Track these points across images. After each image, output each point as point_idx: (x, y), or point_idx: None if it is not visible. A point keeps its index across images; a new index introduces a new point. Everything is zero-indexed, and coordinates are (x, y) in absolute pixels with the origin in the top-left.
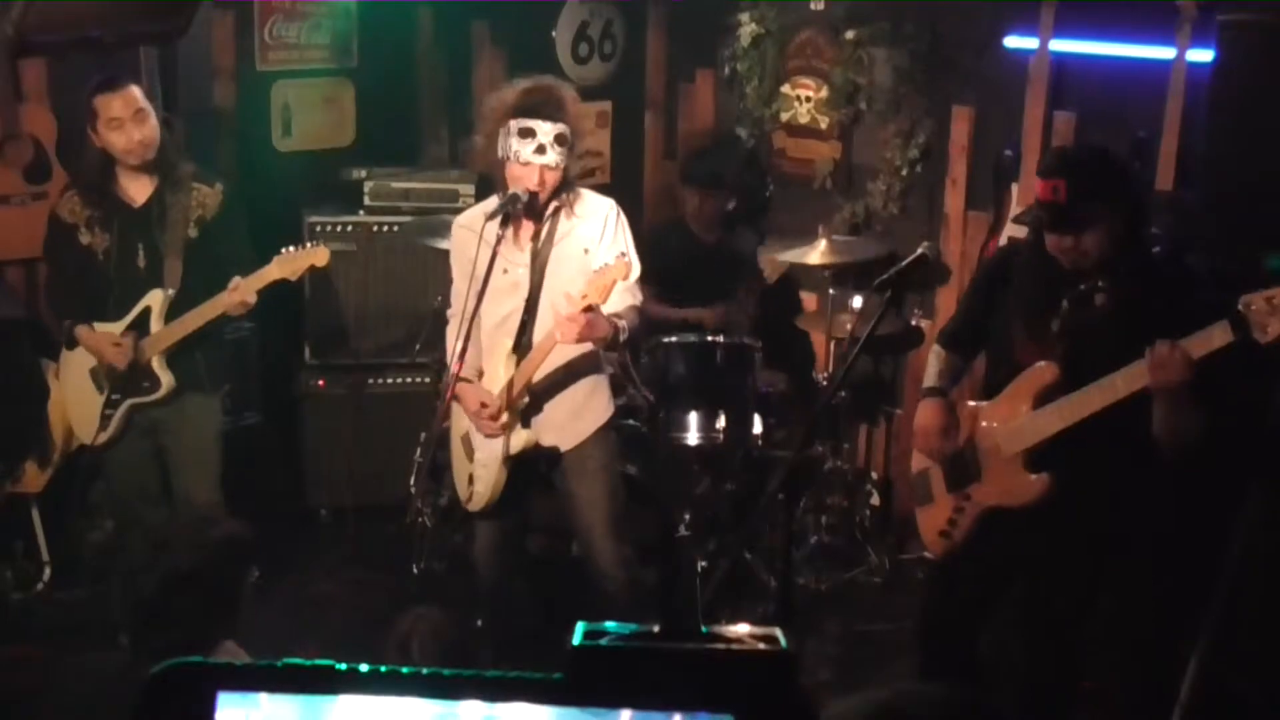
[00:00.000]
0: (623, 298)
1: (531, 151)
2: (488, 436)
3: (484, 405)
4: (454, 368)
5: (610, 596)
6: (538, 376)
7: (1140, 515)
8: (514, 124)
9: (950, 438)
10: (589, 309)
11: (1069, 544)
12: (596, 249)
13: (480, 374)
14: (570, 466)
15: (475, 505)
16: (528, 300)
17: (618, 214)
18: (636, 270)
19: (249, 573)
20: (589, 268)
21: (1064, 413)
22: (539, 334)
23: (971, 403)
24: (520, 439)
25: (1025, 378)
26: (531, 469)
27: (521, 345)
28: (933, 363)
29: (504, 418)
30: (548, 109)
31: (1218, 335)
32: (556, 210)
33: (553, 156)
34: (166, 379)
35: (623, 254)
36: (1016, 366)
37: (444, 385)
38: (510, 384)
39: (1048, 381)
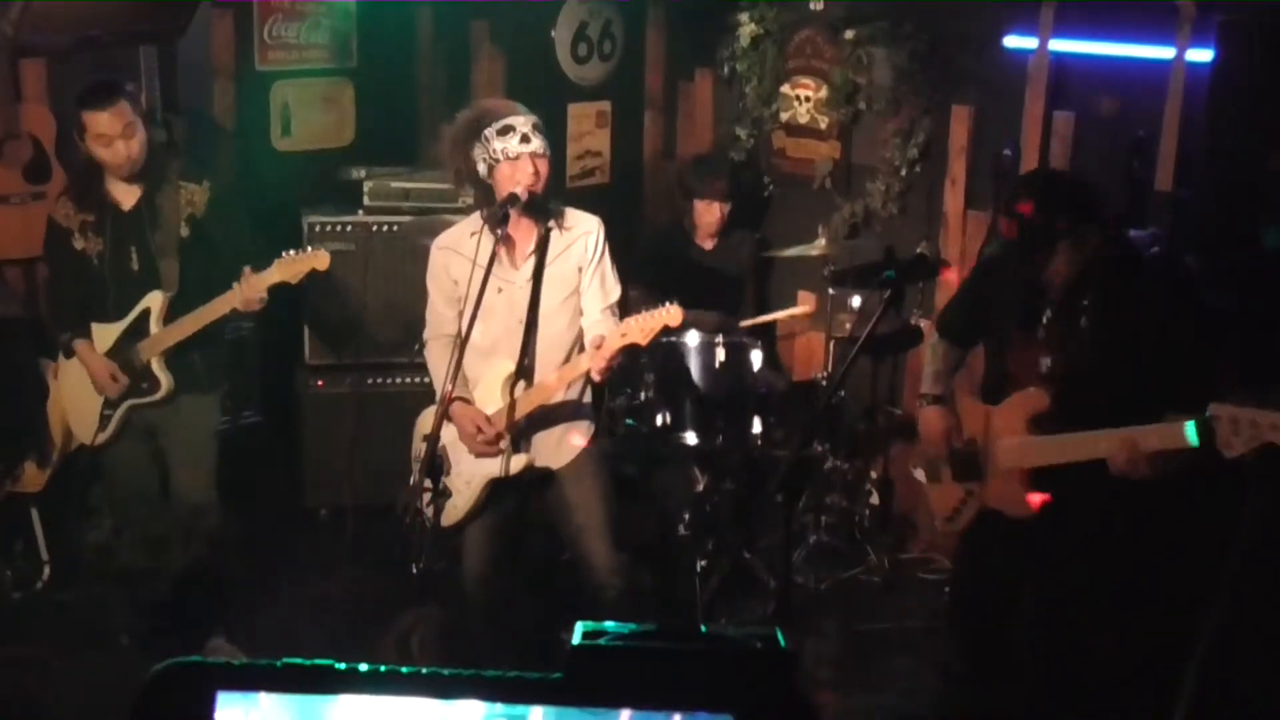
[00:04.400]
0: (608, 326)
1: (518, 143)
2: (478, 457)
3: (480, 430)
4: (446, 388)
5: (609, 605)
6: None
7: (1139, 523)
8: (489, 131)
9: (955, 437)
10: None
11: (1069, 551)
12: (589, 268)
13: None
14: (564, 477)
15: (448, 520)
16: (526, 320)
17: (604, 233)
18: (618, 292)
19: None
20: (581, 287)
21: (1049, 452)
22: (541, 353)
23: (976, 403)
24: (519, 462)
25: (1018, 401)
26: (517, 486)
27: (524, 367)
28: (930, 360)
29: (503, 442)
30: (512, 108)
31: (1183, 439)
32: (548, 229)
33: (538, 143)
34: (165, 380)
35: (672, 301)
36: (1008, 370)
37: (440, 399)
38: (512, 406)
39: (1039, 409)
